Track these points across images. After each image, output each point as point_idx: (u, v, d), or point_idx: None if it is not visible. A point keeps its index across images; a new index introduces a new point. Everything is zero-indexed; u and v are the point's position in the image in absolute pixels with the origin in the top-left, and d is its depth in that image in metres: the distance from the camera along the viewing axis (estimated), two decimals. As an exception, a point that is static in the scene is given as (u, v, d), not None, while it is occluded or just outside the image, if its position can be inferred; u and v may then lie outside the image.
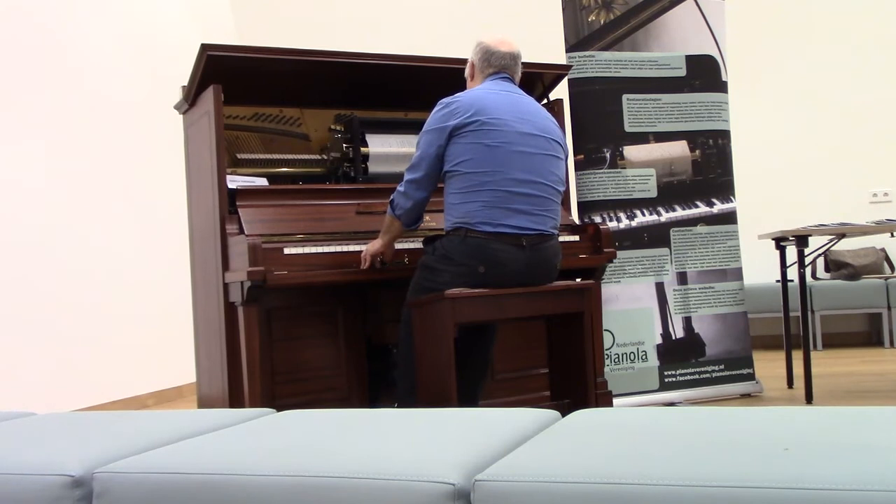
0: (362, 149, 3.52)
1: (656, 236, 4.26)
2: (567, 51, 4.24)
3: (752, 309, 4.79)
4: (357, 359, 3.44)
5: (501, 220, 2.85)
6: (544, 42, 4.78)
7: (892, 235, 4.23)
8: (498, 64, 3.05)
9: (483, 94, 2.95)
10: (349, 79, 3.56)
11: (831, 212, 5.50)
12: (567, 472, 1.19)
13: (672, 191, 4.31)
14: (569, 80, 4.15)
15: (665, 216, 4.29)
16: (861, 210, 6.08)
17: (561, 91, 3.99)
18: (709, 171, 4.40)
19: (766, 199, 6.30)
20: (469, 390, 3.01)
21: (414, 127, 3.42)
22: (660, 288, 4.25)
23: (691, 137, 4.37)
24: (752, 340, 4.52)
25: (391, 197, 3.02)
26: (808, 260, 4.10)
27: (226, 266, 3.08)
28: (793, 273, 4.32)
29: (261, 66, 3.34)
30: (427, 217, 3.13)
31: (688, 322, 4.29)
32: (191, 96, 3.31)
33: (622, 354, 4.14)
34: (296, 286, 3.09)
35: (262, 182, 3.35)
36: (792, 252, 4.16)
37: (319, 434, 1.59)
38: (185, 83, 3.33)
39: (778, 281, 5.09)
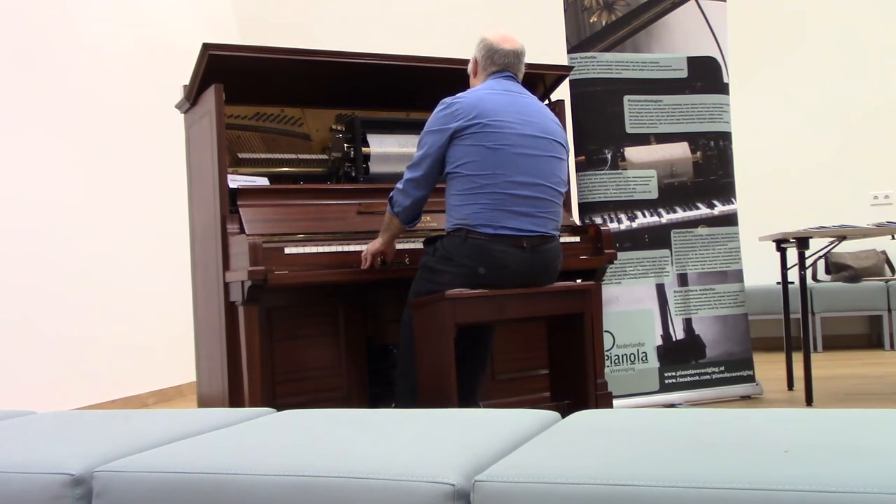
0: (363, 149, 3.52)
1: (657, 238, 4.26)
2: (569, 52, 4.24)
3: (752, 311, 4.79)
4: (357, 359, 3.44)
5: (502, 221, 2.85)
6: (546, 43, 4.79)
7: (893, 238, 4.23)
8: (501, 62, 3.04)
9: (485, 96, 2.94)
10: (350, 79, 3.56)
11: (832, 214, 5.49)
12: (567, 473, 1.19)
13: (673, 192, 4.31)
14: (570, 81, 4.15)
15: (666, 217, 4.28)
16: (862, 212, 6.07)
17: (562, 92, 3.99)
18: (710, 172, 4.40)
19: (767, 201, 6.30)
20: (467, 390, 3.00)
21: (415, 127, 3.42)
22: (660, 289, 4.24)
23: (692, 139, 4.37)
24: (753, 342, 4.52)
25: (390, 195, 3.02)
26: (808, 262, 4.10)
27: (226, 265, 3.08)
28: (793, 275, 4.32)
29: (262, 65, 3.35)
30: (428, 217, 3.13)
31: (688, 323, 4.29)
32: (192, 96, 3.32)
33: (622, 355, 4.14)
34: (296, 286, 3.09)
35: (264, 182, 3.35)
36: (792, 254, 4.15)
37: (319, 434, 1.59)
38: (187, 83, 3.33)
39: (778, 283, 5.09)
